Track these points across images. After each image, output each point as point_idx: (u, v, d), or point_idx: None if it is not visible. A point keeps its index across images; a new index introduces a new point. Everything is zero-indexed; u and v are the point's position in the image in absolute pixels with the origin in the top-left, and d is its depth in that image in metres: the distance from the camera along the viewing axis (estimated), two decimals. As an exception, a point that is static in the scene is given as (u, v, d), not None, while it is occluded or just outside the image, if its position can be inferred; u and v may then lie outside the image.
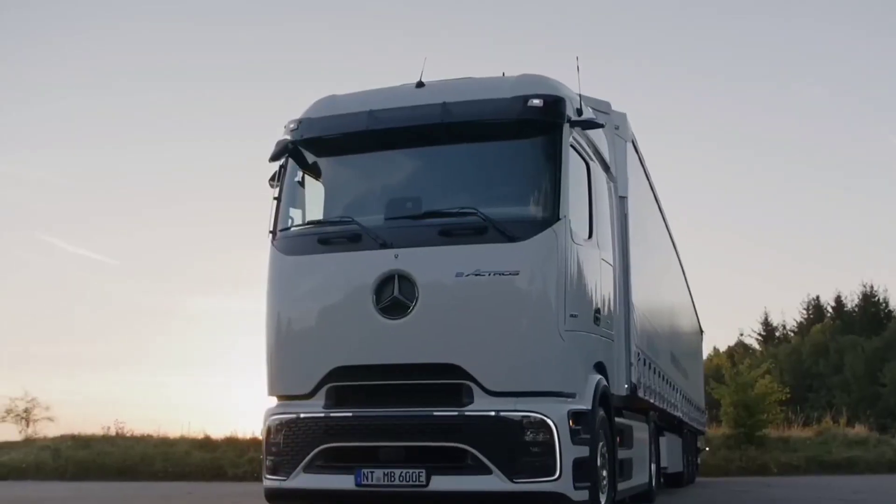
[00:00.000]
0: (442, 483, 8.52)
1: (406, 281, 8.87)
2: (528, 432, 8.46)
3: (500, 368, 8.62)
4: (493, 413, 8.51)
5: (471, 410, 8.58)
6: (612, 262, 10.73)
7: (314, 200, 9.95)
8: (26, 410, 35.14)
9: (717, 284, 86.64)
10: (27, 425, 35.00)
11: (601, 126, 9.79)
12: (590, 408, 9.15)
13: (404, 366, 8.86)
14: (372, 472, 8.71)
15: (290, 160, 9.83)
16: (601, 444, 9.46)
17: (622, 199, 11.68)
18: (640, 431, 12.73)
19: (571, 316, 8.89)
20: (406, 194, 9.38)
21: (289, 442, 9.10)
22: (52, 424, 34.42)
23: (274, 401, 9.54)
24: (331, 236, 9.32)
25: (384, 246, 8.98)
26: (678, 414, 17.13)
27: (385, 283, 8.94)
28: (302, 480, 8.98)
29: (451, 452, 8.59)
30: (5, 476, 26.76)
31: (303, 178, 9.87)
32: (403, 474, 8.61)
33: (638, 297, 11.99)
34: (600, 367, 9.92)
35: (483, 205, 8.89)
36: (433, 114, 9.17)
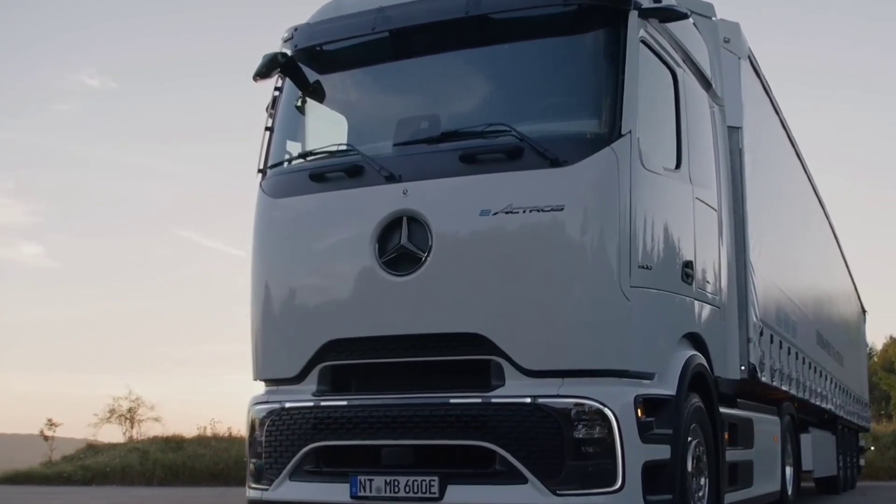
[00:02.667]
0: (460, 495, 6.63)
1: (417, 225, 6.96)
2: (578, 426, 6.45)
3: (538, 339, 6.63)
4: (528, 400, 6.52)
5: (499, 396, 6.57)
6: (715, 207, 8.56)
7: (317, 131, 8.04)
8: (130, 410, 34.48)
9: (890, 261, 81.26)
10: (131, 426, 34.37)
11: (685, 16, 7.59)
12: (673, 393, 7.08)
13: (414, 338, 6.98)
14: (371, 481, 6.82)
15: (287, 80, 7.98)
16: (694, 442, 7.41)
17: (734, 131, 9.43)
18: (767, 426, 10.41)
19: (642, 268, 6.80)
20: (421, 112, 7.44)
21: (272, 440, 7.30)
22: (158, 425, 33.66)
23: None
24: (325, 170, 7.47)
25: (390, 179, 7.07)
26: (828, 406, 14.66)
27: (390, 228, 7.07)
28: (287, 491, 7.16)
29: (474, 454, 6.68)
30: (89, 481, 25.93)
31: (302, 102, 8.03)
32: (410, 483, 6.69)
33: (760, 256, 9.74)
34: (696, 341, 7.86)
35: (518, 121, 6.94)
36: (457, 5, 7.19)
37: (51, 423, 31.84)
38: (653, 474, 6.68)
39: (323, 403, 7.12)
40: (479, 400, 6.63)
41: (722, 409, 8.36)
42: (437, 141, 7.11)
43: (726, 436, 8.44)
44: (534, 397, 6.49)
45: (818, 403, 13.74)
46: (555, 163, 6.70)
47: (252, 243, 7.77)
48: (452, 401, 6.70)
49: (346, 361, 7.18)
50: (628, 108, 6.83)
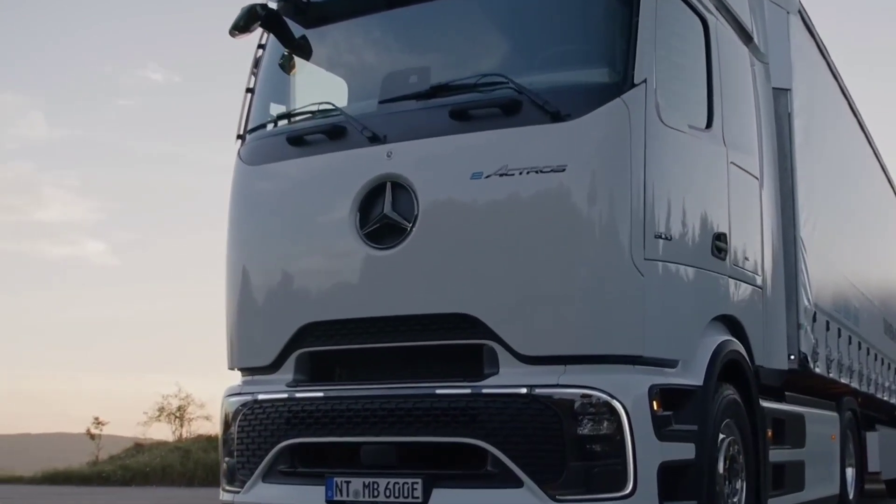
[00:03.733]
0: (446, 499, 5.87)
1: (402, 191, 6.22)
2: (581, 421, 5.66)
3: (536, 320, 5.86)
4: (523, 390, 5.73)
5: (491, 387, 5.79)
6: (756, 175, 7.67)
7: (305, 91, 7.32)
8: (179, 409, 34.13)
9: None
10: (181, 424, 34.02)
11: None
12: (700, 384, 6.25)
13: (398, 320, 6.23)
14: (348, 483, 6.06)
15: (271, 37, 7.24)
16: (728, 440, 6.57)
17: (781, 93, 8.52)
18: (822, 423, 9.45)
19: (659, 238, 5.96)
20: (410, 66, 6.66)
21: (244, 436, 6.58)
22: (209, 423, 33.20)
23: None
24: (303, 133, 6.72)
25: (374, 140, 6.33)
26: None
27: (373, 195, 6.34)
28: (259, 494, 6.45)
29: (463, 453, 5.90)
30: (129, 481, 25.57)
31: (287, 59, 7.27)
32: (391, 486, 5.93)
33: (813, 234, 8.84)
34: (731, 326, 7.02)
35: (517, 73, 6.16)
36: None
37: (97, 422, 31.63)
38: (673, 477, 5.87)
39: (298, 395, 6.38)
40: (467, 391, 5.84)
41: (765, 403, 7.49)
42: (426, 97, 6.35)
43: (769, 433, 7.54)
44: (530, 387, 5.68)
45: (885, 398, 12.69)
46: (556, 117, 5.88)
47: (227, 217, 7.02)
48: (438, 391, 5.93)
49: (324, 348, 6.42)
50: (643, 55, 6.00)
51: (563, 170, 5.82)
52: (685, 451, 5.99)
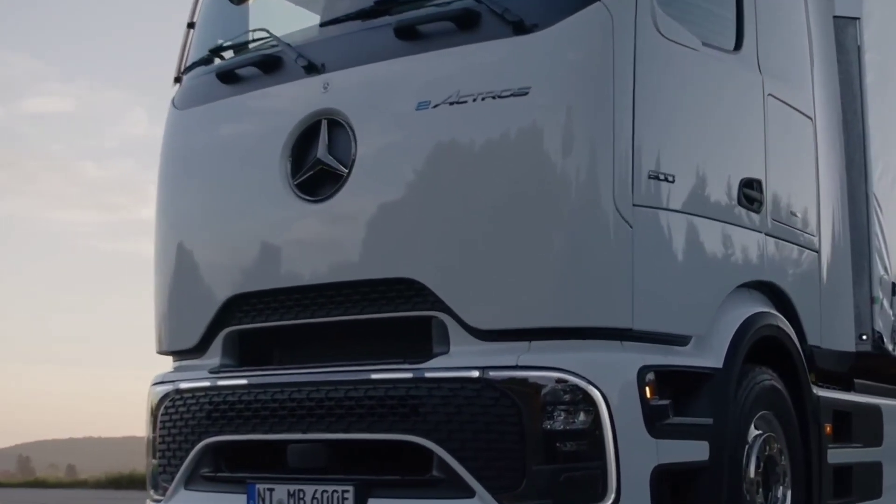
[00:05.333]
0: None
1: (340, 130, 5.20)
2: (548, 412, 4.50)
3: (494, 284, 4.74)
4: (475, 373, 4.60)
5: (435, 369, 4.64)
6: (809, 114, 6.40)
7: (256, 22, 6.26)
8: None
9: None
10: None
11: None
12: (718, 366, 5.06)
13: (332, 288, 5.17)
14: (271, 491, 5.03)
15: None
16: (762, 437, 5.36)
17: (847, 22, 7.16)
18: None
19: (655, 178, 4.74)
20: None
21: (165, 434, 5.56)
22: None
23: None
24: (234, 67, 5.68)
25: (310, 70, 5.31)
26: None
27: (306, 137, 5.31)
28: (181, 502, 5.34)
29: (406, 453, 4.80)
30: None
31: None
32: (319, 495, 4.87)
33: (891, 189, 7.44)
34: (774, 296, 5.84)
35: None
36: None
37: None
38: (675, 483, 4.76)
39: (220, 383, 5.33)
40: (408, 375, 4.72)
41: (821, 393, 6.24)
42: (370, 15, 5.26)
43: (827, 429, 6.26)
44: (483, 369, 4.56)
45: None
46: (519, 28, 4.75)
47: (158, 172, 6.03)
48: (374, 376, 4.80)
49: (251, 326, 5.36)
50: None
51: (526, 93, 4.68)
52: (695, 450, 4.84)
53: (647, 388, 4.57)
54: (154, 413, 5.69)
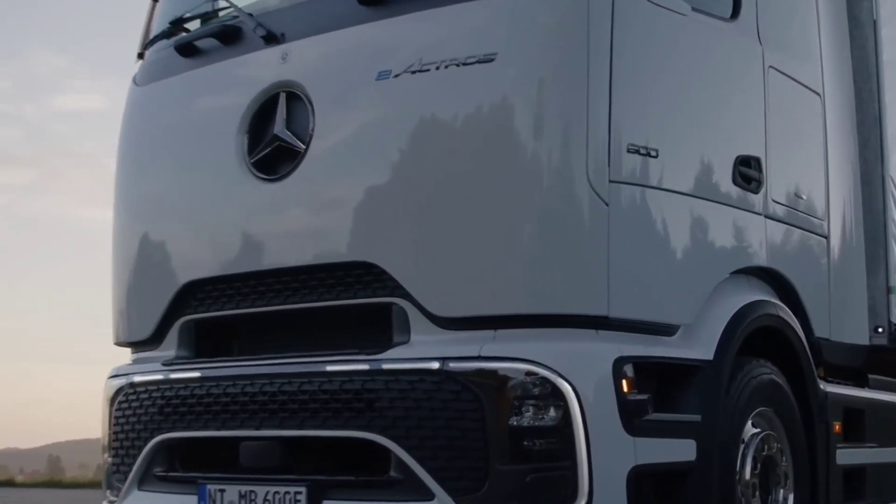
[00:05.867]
0: None
1: (299, 103, 4.86)
2: (513, 407, 4.11)
3: (457, 268, 4.39)
4: (435, 365, 4.24)
5: (393, 360, 4.27)
6: (817, 89, 5.98)
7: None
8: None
9: None
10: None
11: None
12: (709, 358, 4.67)
13: (289, 273, 4.83)
14: (223, 492, 4.69)
15: None
16: (761, 435, 4.97)
17: None
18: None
19: (635, 152, 4.38)
20: None
21: (119, 430, 5.27)
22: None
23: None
24: (194, 38, 5.39)
25: (269, 40, 4.97)
26: None
27: (264, 111, 4.97)
28: (134, 502, 5.03)
29: (362, 451, 4.44)
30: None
31: None
32: (271, 496, 4.54)
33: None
34: (777, 284, 5.44)
35: None
36: None
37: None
38: (657, 485, 4.39)
39: (173, 376, 5.00)
40: (364, 366, 4.37)
41: (830, 388, 5.85)
42: None
43: (836, 427, 5.87)
44: (443, 360, 4.19)
45: None
46: None
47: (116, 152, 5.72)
48: (329, 368, 4.45)
49: (207, 315, 5.03)
50: None
51: (492, 59, 4.32)
52: (680, 449, 4.48)
53: (624, 382, 4.20)
54: (108, 408, 5.36)
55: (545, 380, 4.08)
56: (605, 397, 4.14)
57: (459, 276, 4.33)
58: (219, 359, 5.01)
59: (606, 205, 4.28)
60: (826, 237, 5.95)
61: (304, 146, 4.74)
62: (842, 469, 5.83)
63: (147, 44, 5.82)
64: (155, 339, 5.24)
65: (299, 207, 4.75)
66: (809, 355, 5.53)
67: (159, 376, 5.06)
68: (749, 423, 4.94)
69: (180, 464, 5.04)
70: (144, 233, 5.42)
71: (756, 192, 5.21)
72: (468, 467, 4.12)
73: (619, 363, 4.19)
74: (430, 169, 4.44)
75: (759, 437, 4.95)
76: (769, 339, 5.21)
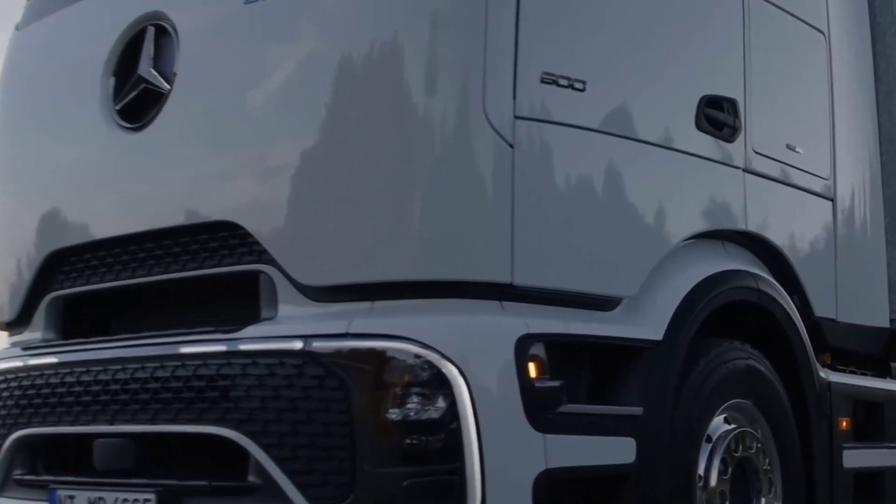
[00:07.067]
0: None
1: (167, 38, 4.16)
2: (386, 397, 3.34)
3: (327, 228, 3.64)
4: (298, 345, 3.48)
5: (251, 339, 3.50)
6: (820, 26, 5.20)
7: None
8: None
9: None
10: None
11: None
12: (657, 338, 3.89)
13: (152, 239, 4.12)
14: (72, 499, 3.98)
15: None
16: (734, 433, 4.18)
17: None
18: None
19: (550, 82, 3.63)
20: None
21: None
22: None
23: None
24: None
25: None
26: None
27: (131, 49, 4.27)
28: None
29: (218, 450, 3.68)
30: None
31: None
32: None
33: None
34: (766, 252, 4.69)
35: None
36: None
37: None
38: (588, 493, 3.66)
39: (31, 362, 4.32)
40: (221, 347, 3.61)
41: (837, 378, 5.05)
42: None
43: (844, 423, 5.03)
44: (306, 339, 3.40)
45: None
46: None
47: None
48: (183, 350, 3.71)
49: (74, 290, 4.35)
50: None
51: None
52: (614, 450, 3.72)
53: (531, 365, 3.42)
54: None
55: (427, 362, 3.31)
56: (505, 384, 3.38)
57: (331, 237, 3.59)
58: (75, 341, 4.31)
59: (511, 146, 3.49)
60: (831, 199, 5.16)
61: (168, 87, 4.02)
62: (851, 473, 5.02)
63: None
64: (24, 320, 4.57)
65: (161, 160, 4.06)
66: (805, 338, 4.69)
67: (17, 363, 4.39)
68: (719, 417, 4.19)
69: (43, 466, 4.35)
70: (12, 196, 4.79)
71: (730, 140, 4.41)
72: (333, 470, 3.38)
73: (524, 342, 3.41)
74: (300, 107, 3.71)
75: (732, 434, 4.17)
76: (757, 320, 4.43)
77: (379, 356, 3.35)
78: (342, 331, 3.42)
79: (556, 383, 3.44)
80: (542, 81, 3.61)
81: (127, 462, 3.92)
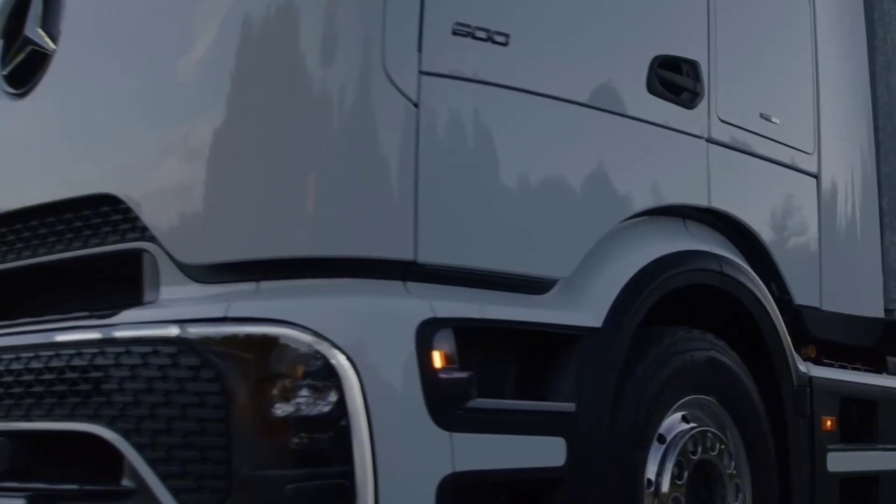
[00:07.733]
0: None
1: None
2: (269, 389, 2.95)
3: (209, 200, 3.28)
4: (175, 331, 3.09)
5: (125, 325, 3.13)
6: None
7: None
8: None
9: None
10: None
11: None
12: (596, 325, 3.51)
13: (30, 216, 3.78)
14: (-56, 505, 3.54)
15: None
16: (691, 433, 3.78)
17: None
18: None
19: (464, 34, 3.29)
20: None
21: None
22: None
23: None
24: None
25: None
26: None
27: (19, 9, 3.96)
28: None
29: (94, 450, 3.27)
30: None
31: None
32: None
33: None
34: (735, 232, 4.30)
35: None
36: None
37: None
38: (512, 502, 3.26)
39: None
40: (94, 334, 3.23)
41: (821, 373, 4.64)
42: None
43: (828, 423, 4.59)
44: (183, 324, 3.00)
45: None
46: None
47: None
48: (58, 338, 3.34)
49: None
50: None
51: None
52: (540, 451, 3.30)
53: (436, 354, 3.01)
54: None
55: (313, 350, 2.91)
56: (404, 376, 2.97)
57: (216, 211, 3.21)
58: None
59: (415, 105, 3.09)
60: (816, 176, 4.70)
61: (54, 48, 3.66)
62: (837, 478, 4.60)
63: None
64: None
65: (42, 129, 3.69)
66: (780, 327, 4.28)
67: None
68: (675, 415, 3.80)
69: None
70: None
71: (690, 106, 3.98)
72: (208, 474, 2.97)
73: (428, 327, 3.01)
74: (190, 74, 3.33)
75: (690, 434, 3.74)
76: (724, 308, 4.07)
77: (258, 343, 2.97)
78: (220, 314, 3.02)
79: (463, 374, 3.04)
80: (455, 33, 3.22)
81: (2, 463, 3.54)
